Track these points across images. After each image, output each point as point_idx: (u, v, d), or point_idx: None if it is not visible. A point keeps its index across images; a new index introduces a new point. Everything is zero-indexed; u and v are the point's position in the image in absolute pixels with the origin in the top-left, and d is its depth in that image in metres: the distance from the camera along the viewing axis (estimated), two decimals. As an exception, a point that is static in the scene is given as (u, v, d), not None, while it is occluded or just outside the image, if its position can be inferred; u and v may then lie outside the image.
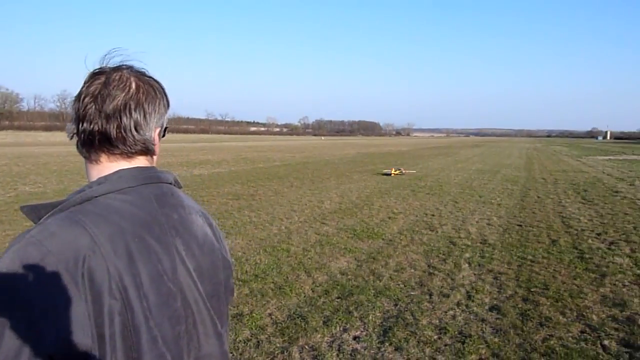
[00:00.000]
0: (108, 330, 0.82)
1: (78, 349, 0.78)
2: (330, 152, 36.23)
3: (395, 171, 17.33)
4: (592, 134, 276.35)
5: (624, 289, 4.95)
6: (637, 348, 3.62)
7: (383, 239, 7.03)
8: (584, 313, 4.28)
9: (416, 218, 8.80)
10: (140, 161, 1.01)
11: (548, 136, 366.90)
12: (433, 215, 9.14)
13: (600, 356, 3.48)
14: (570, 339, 3.76)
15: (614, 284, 5.10)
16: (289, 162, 23.60)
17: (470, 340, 3.68)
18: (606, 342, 3.70)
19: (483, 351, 3.53)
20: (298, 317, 4.09)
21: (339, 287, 4.89)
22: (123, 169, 0.97)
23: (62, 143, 41.74)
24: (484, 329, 3.91)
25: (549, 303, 4.50)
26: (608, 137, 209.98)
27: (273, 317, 4.11)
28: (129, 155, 0.98)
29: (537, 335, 3.80)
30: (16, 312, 0.75)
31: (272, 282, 4.97)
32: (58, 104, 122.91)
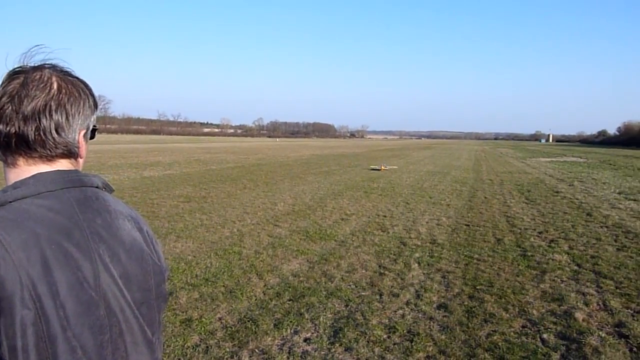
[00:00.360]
0: (20, 341, 0.78)
1: None
2: (284, 153, 36.15)
3: (383, 167, 21.41)
4: (536, 137, 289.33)
5: (562, 285, 5.20)
6: (573, 340, 3.81)
7: (335, 241, 7.08)
8: (525, 308, 4.47)
9: (368, 219, 8.91)
10: (63, 164, 0.97)
11: (495, 139, 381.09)
12: (385, 216, 9.29)
13: (540, 349, 3.64)
14: (512, 333, 3.91)
15: (553, 280, 5.35)
16: (243, 164, 23.37)
17: (419, 339, 3.76)
18: (545, 336, 3.87)
19: (430, 349, 3.62)
20: (249, 321, 4.05)
21: (290, 289, 4.88)
22: (41, 173, 0.92)
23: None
24: (431, 327, 4.01)
25: (493, 300, 4.67)
26: (550, 140, 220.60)
27: (223, 321, 4.05)
28: (49, 158, 0.94)
29: (481, 331, 3.93)
30: None
31: (223, 286, 4.90)
32: None
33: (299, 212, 9.39)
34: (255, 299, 4.58)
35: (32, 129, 0.90)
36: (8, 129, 0.89)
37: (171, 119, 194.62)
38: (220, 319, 4.09)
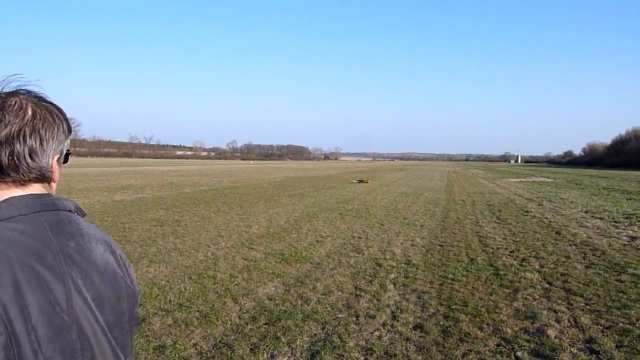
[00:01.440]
0: None
1: None
2: (259, 176, 36.04)
3: (365, 180, 27.31)
4: (505, 158, 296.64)
5: (534, 303, 5.29)
6: (546, 357, 3.87)
7: (311, 263, 7.06)
8: (500, 327, 4.53)
9: (344, 241, 8.93)
10: (36, 188, 0.97)
11: (466, 160, 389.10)
12: (360, 237, 9.32)
13: (514, 367, 3.68)
14: (487, 352, 3.95)
15: (526, 298, 5.44)
16: (217, 186, 23.18)
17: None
18: (519, 354, 3.92)
19: (407, 369, 3.62)
20: (224, 346, 3.98)
21: (266, 312, 4.83)
22: (14, 197, 0.93)
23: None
24: (408, 348, 4.02)
25: (468, 319, 4.72)
26: (519, 161, 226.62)
27: (198, 347, 3.97)
28: (22, 182, 0.95)
29: (457, 351, 3.96)
30: None
31: (198, 311, 4.81)
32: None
33: (274, 235, 9.35)
34: (231, 324, 4.51)
35: (5, 154, 0.91)
36: None
37: (143, 141, 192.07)
38: (194, 344, 4.01)
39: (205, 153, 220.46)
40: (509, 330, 4.45)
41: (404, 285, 5.91)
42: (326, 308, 5.03)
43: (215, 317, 4.65)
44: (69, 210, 1.01)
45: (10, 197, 0.92)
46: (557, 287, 5.91)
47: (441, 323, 4.61)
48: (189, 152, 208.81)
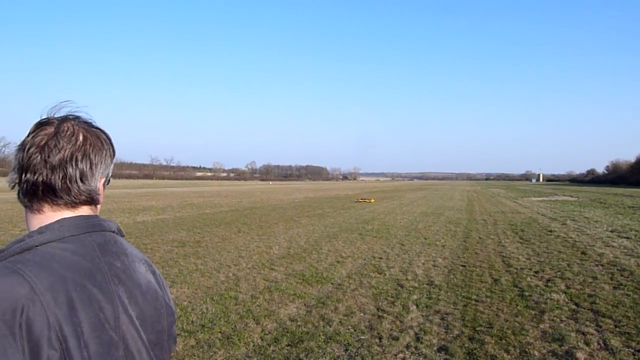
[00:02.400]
0: None
1: None
2: (278, 197, 36.19)
3: (369, 200, 28.64)
4: (526, 177, 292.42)
5: (561, 324, 5.17)
6: (576, 382, 3.77)
7: (332, 284, 7.03)
8: (527, 349, 4.43)
9: (364, 261, 8.88)
10: (84, 210, 1.02)
11: (487, 179, 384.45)
12: (381, 258, 9.26)
13: (543, 391, 3.59)
14: (514, 376, 3.86)
15: (553, 320, 5.32)
16: (236, 207, 23.34)
17: (420, 383, 3.70)
18: (548, 378, 3.83)
19: (433, 393, 3.56)
20: (247, 367, 3.97)
21: (288, 334, 4.82)
22: (65, 218, 0.97)
23: (-8, 191, 39.38)
24: (433, 370, 3.95)
25: (493, 341, 4.63)
26: (541, 180, 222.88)
27: (221, 368, 3.97)
28: (73, 205, 0.99)
29: (483, 374, 3.88)
30: None
31: (220, 332, 4.82)
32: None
33: (295, 256, 9.35)
34: (253, 345, 4.51)
35: (59, 178, 0.95)
36: (36, 177, 0.94)
37: (164, 163, 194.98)
38: (217, 366, 4.01)
39: (224, 174, 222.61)
40: (536, 352, 4.35)
41: (426, 307, 5.83)
42: (348, 329, 4.99)
43: (237, 338, 4.66)
44: (113, 231, 1.05)
45: (62, 219, 0.97)
46: (584, 308, 5.77)
47: (466, 345, 4.53)
48: (209, 173, 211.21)
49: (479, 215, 19.71)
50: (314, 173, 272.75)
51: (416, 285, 6.98)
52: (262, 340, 4.65)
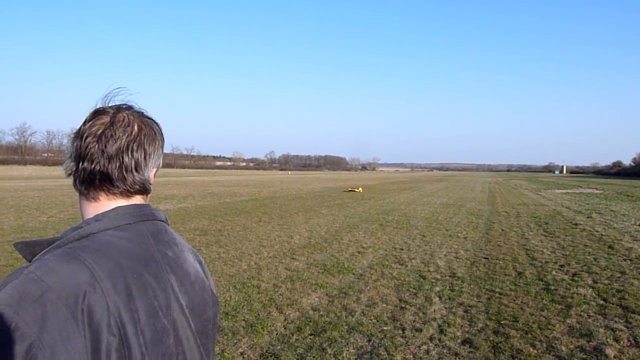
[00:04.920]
0: None
1: None
2: (297, 186, 36.28)
3: (358, 189, 28.81)
4: (549, 168, 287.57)
5: (589, 320, 5.07)
6: (605, 378, 3.69)
7: (353, 274, 7.01)
8: (553, 344, 4.35)
9: (385, 252, 8.84)
10: (137, 199, 1.02)
11: (508, 170, 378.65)
12: (402, 249, 9.21)
13: (572, 387, 3.52)
14: (541, 370, 3.80)
15: (580, 315, 5.22)
16: (256, 196, 23.47)
17: (445, 375, 3.67)
18: (576, 373, 3.76)
19: (458, 386, 3.52)
20: (271, 356, 3.99)
21: (311, 323, 4.83)
22: (120, 206, 0.97)
23: (20, 177, 40.33)
24: (457, 363, 3.92)
25: (519, 335, 4.56)
26: (564, 172, 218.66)
27: (245, 356, 4.00)
28: (127, 194, 0.99)
29: (509, 368, 3.83)
30: (14, 348, 0.73)
31: (243, 320, 4.86)
32: (17, 136, 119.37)
33: (315, 245, 9.36)
34: (277, 334, 4.53)
35: (115, 167, 0.95)
36: (93, 166, 0.94)
37: (184, 152, 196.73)
38: (242, 353, 4.05)
39: (244, 163, 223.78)
40: (563, 348, 4.28)
41: (449, 299, 5.78)
42: (371, 320, 4.98)
43: (261, 326, 4.68)
44: (163, 221, 1.05)
45: (117, 207, 0.97)
46: (613, 303, 5.65)
47: (491, 338, 4.48)
48: (229, 163, 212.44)
49: (501, 207, 19.45)
50: (333, 163, 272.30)
51: (438, 277, 6.92)
52: (285, 329, 4.67)
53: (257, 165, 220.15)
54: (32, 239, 0.91)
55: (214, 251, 8.49)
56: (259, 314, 5.06)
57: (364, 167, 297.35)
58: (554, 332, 4.68)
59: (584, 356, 4.10)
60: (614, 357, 4.08)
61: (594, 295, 6.02)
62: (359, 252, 8.74)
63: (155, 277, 0.94)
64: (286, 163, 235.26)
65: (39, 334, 0.75)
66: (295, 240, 9.96)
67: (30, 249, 0.89)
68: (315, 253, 8.56)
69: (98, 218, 0.94)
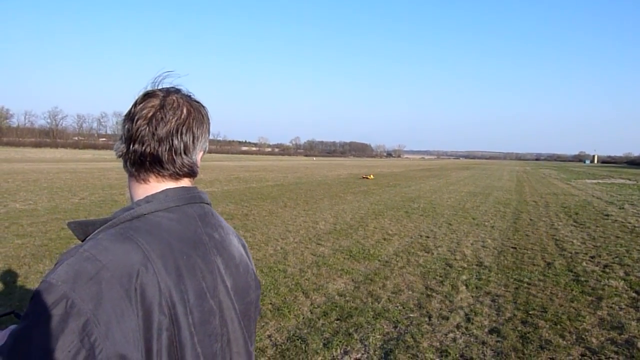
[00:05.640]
0: (155, 345, 0.83)
1: None
2: (322, 172, 36.30)
3: (370, 176, 29.75)
4: (579, 158, 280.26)
5: (620, 312, 4.97)
6: (637, 372, 3.63)
7: (379, 261, 7.02)
8: (583, 336, 4.29)
9: (411, 239, 8.81)
10: (185, 182, 1.04)
11: (537, 159, 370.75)
12: (428, 237, 9.16)
13: (602, 380, 3.48)
14: (571, 362, 3.75)
15: (611, 307, 5.12)
16: (282, 182, 23.59)
17: (472, 363, 3.66)
18: (607, 366, 3.70)
19: (485, 374, 3.51)
20: (298, 339, 4.05)
21: (337, 308, 4.86)
22: (170, 188, 0.99)
23: (52, 160, 41.44)
24: (485, 352, 3.90)
25: (548, 326, 4.51)
26: (595, 161, 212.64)
27: (272, 339, 4.07)
28: (176, 176, 1.01)
29: (538, 358, 3.80)
30: (71, 325, 0.75)
31: (270, 304, 4.93)
32: (49, 120, 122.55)
33: (341, 232, 9.38)
34: (303, 318, 4.58)
35: (165, 150, 0.97)
36: (143, 148, 0.96)
37: (211, 137, 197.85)
38: (269, 336, 4.11)
39: (269, 149, 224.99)
40: (594, 340, 4.21)
41: (476, 288, 5.74)
42: (397, 307, 4.99)
43: (287, 310, 4.74)
44: (208, 204, 1.07)
45: (167, 189, 0.99)
46: (646, 297, 5.51)
47: (519, 328, 4.44)
48: (254, 148, 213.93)
49: (529, 196, 19.10)
50: (358, 150, 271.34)
51: (465, 265, 6.87)
52: (311, 313, 4.72)
53: (282, 150, 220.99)
54: (84, 219, 0.94)
55: (240, 235, 8.58)
56: (285, 298, 5.13)
57: (389, 154, 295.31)
58: (584, 323, 4.61)
59: (615, 349, 4.03)
60: (647, 350, 4.00)
61: (626, 287, 5.89)
62: (384, 239, 8.73)
63: (203, 259, 0.96)
64: (311, 149, 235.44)
65: (95, 310, 0.77)
66: (320, 226, 10.01)
67: (83, 229, 0.92)
68: (341, 239, 8.59)
69: (148, 200, 0.96)
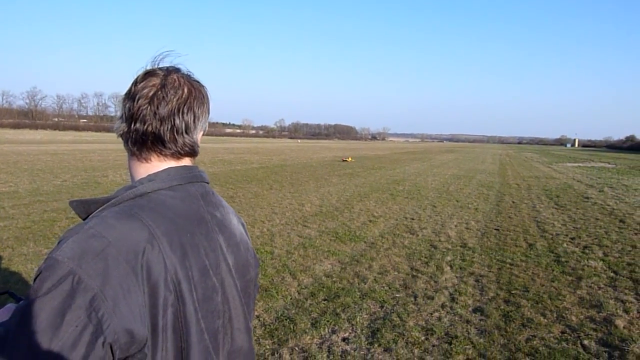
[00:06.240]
0: (161, 321, 0.84)
1: (136, 338, 0.80)
2: (307, 155, 36.26)
3: (349, 159, 29.66)
4: (561, 142, 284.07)
5: (599, 291, 5.12)
6: (615, 347, 3.76)
7: (365, 242, 7.09)
8: (564, 314, 4.42)
9: (396, 221, 8.90)
10: (186, 161, 1.04)
11: (519, 143, 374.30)
12: (413, 219, 9.26)
13: (581, 355, 3.60)
14: (552, 339, 3.88)
15: (590, 287, 5.27)
16: (267, 164, 23.53)
17: (457, 341, 3.76)
18: (586, 342, 3.83)
19: (470, 351, 3.61)
20: (286, 319, 4.10)
21: (324, 289, 4.92)
22: (172, 167, 1.00)
23: (32, 141, 40.59)
24: (469, 330, 4.00)
25: (529, 305, 4.63)
26: (576, 145, 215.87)
27: (261, 319, 4.11)
28: (178, 156, 1.01)
29: (520, 336, 3.90)
30: (78, 300, 0.76)
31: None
32: (27, 101, 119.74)
33: (327, 214, 9.43)
34: (291, 298, 4.63)
35: (167, 129, 0.97)
36: (145, 127, 0.96)
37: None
38: (258, 316, 4.15)
39: (253, 131, 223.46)
40: (573, 318, 4.34)
41: (460, 268, 5.84)
42: (383, 287, 5.06)
43: (275, 291, 4.79)
44: (208, 183, 1.07)
45: (169, 168, 0.99)
46: (623, 276, 5.68)
47: (502, 307, 4.55)
48: (238, 130, 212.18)
49: (511, 179, 19.37)
50: (343, 132, 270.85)
51: (449, 246, 6.98)
52: (299, 294, 4.77)
53: (267, 133, 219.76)
54: (87, 198, 0.94)
55: (226, 217, 8.58)
56: (273, 279, 5.17)
57: (373, 137, 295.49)
58: (565, 302, 4.74)
59: (594, 326, 4.16)
60: (624, 327, 4.14)
61: (605, 267, 6.06)
62: (370, 221, 8.80)
63: (206, 237, 0.97)
64: (296, 131, 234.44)
65: (102, 287, 0.78)
66: (306, 208, 10.04)
67: (85, 207, 0.92)
68: (327, 221, 8.64)
69: (151, 178, 0.96)
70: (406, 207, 10.80)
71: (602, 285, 5.33)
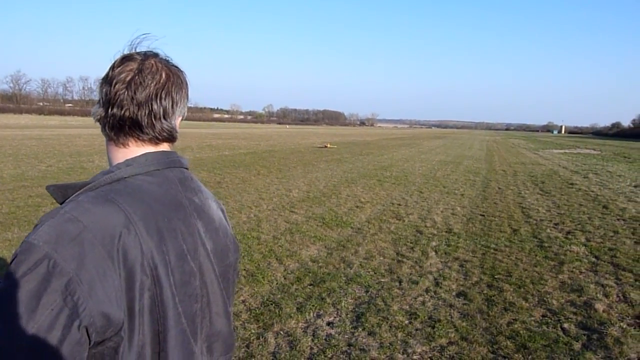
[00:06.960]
0: (138, 304, 0.85)
1: (112, 321, 0.81)
2: (295, 140, 36.14)
3: (330, 145, 28.44)
4: (548, 128, 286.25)
5: (580, 276, 5.21)
6: (594, 330, 3.84)
7: (352, 228, 7.12)
8: (545, 298, 4.50)
9: (383, 207, 8.95)
10: (165, 147, 1.04)
11: (507, 129, 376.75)
12: (399, 204, 9.31)
13: (561, 338, 3.67)
14: (533, 322, 3.95)
15: (572, 271, 5.36)
16: (255, 150, 23.43)
17: (440, 325, 3.81)
18: (566, 325, 3.90)
19: (452, 335, 3.67)
20: (272, 304, 4.12)
21: (310, 274, 4.95)
22: (149, 152, 0.99)
23: (16, 126, 39.90)
24: (452, 314, 4.06)
25: (512, 289, 4.70)
26: (563, 132, 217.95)
27: (247, 303, 4.12)
28: (156, 141, 1.00)
29: (502, 320, 3.97)
30: (53, 284, 0.75)
31: (244, 270, 4.97)
32: (11, 84, 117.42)
33: (314, 199, 9.44)
34: (277, 283, 4.65)
35: (145, 114, 0.96)
36: (123, 112, 0.95)
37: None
38: (243, 301, 4.17)
39: (241, 116, 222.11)
40: (554, 302, 4.42)
41: (445, 253, 5.91)
42: (369, 272, 5.10)
43: (261, 276, 4.80)
44: (187, 168, 1.07)
45: (147, 153, 0.99)
46: (604, 261, 5.79)
47: (485, 292, 4.62)
48: (226, 115, 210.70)
49: (498, 165, 19.53)
50: (331, 118, 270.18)
51: (435, 232, 7.04)
52: (285, 279, 4.79)
53: (255, 118, 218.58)
54: (64, 182, 0.93)
55: (213, 203, 8.56)
56: (259, 264, 5.18)
57: (362, 123, 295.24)
58: (546, 287, 4.82)
59: (574, 310, 4.25)
60: (603, 311, 4.23)
61: (587, 252, 6.16)
62: (357, 207, 8.84)
63: (184, 222, 0.97)
64: (284, 117, 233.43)
65: (77, 270, 0.77)
66: (294, 193, 10.04)
67: (62, 192, 0.91)
68: (314, 206, 8.66)
69: (129, 163, 0.95)
70: (393, 192, 10.85)
71: (583, 270, 5.42)
